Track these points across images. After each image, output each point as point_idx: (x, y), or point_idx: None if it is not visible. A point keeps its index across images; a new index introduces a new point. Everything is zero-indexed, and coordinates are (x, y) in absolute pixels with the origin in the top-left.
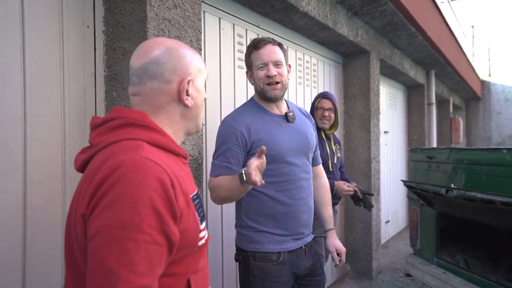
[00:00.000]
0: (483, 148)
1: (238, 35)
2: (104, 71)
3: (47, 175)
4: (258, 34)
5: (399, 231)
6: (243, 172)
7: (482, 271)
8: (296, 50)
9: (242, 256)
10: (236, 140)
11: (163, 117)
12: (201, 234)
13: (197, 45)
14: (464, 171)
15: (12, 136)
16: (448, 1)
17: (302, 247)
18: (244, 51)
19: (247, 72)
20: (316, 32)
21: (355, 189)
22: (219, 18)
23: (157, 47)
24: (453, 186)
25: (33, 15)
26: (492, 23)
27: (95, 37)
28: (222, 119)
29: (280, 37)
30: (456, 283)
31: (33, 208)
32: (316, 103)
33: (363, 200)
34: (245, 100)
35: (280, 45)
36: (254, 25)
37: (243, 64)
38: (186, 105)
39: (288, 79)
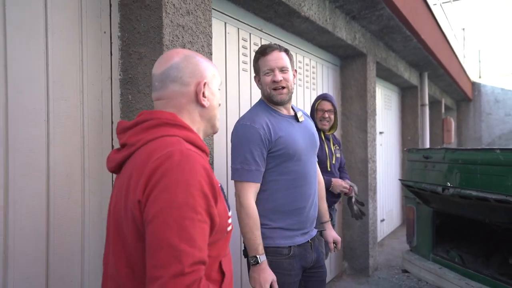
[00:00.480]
0: (477, 148)
1: (242, 39)
2: (120, 74)
3: (68, 175)
4: (261, 38)
5: (393, 229)
6: (256, 263)
7: (475, 266)
8: (296, 53)
9: None
10: (260, 140)
11: (186, 117)
12: (229, 221)
13: (208, 50)
14: (459, 170)
15: (37, 137)
16: (440, 4)
17: (308, 241)
18: (248, 55)
19: (255, 77)
20: (316, 36)
21: (351, 188)
22: (225, 23)
23: (176, 55)
24: (449, 184)
25: (55, 21)
26: (483, 26)
27: (111, 43)
28: (235, 122)
29: (282, 40)
30: (451, 277)
31: (55, 207)
32: (316, 104)
33: (350, 207)
34: (248, 102)
35: (286, 51)
36: (257, 29)
37: (247, 67)
38: (203, 106)
39: (294, 83)
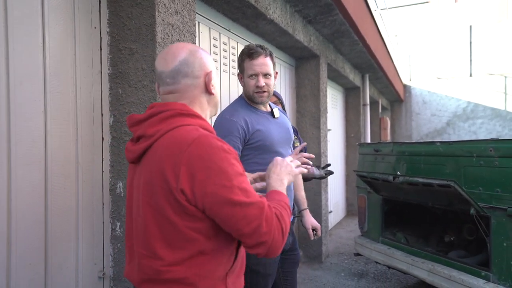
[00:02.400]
0: (420, 142)
1: (213, 38)
2: (109, 69)
3: (63, 165)
4: (229, 38)
5: (339, 220)
6: None
7: (418, 245)
8: None
9: None
10: (238, 133)
11: (197, 106)
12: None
13: None
14: (406, 161)
15: (36, 128)
16: (379, 12)
17: None
18: (218, 53)
19: (238, 75)
20: (276, 37)
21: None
22: (198, 22)
23: (182, 51)
24: (399, 173)
25: (52, 16)
26: (412, 33)
27: (101, 38)
28: (218, 115)
29: (246, 40)
30: (399, 256)
31: (52, 196)
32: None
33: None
34: (223, 98)
35: (271, 54)
36: (226, 29)
37: (218, 65)
38: (211, 93)
39: (274, 85)
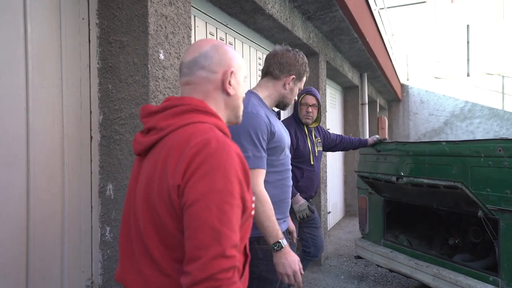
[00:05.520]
0: (425, 141)
1: (210, 34)
2: (98, 63)
3: (47, 166)
4: (226, 33)
5: (337, 221)
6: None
7: (421, 248)
8: (256, 50)
9: None
10: (266, 129)
11: (211, 104)
12: (253, 205)
13: (188, 41)
14: (409, 161)
15: (17, 126)
16: (378, 11)
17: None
18: None
19: (292, 78)
20: (275, 33)
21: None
22: (194, 16)
23: (206, 44)
24: (402, 174)
25: (35, 5)
26: (409, 33)
27: (89, 29)
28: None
29: (244, 36)
30: (401, 259)
31: (35, 199)
32: (300, 98)
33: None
34: None
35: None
36: (223, 24)
37: None
38: (228, 94)
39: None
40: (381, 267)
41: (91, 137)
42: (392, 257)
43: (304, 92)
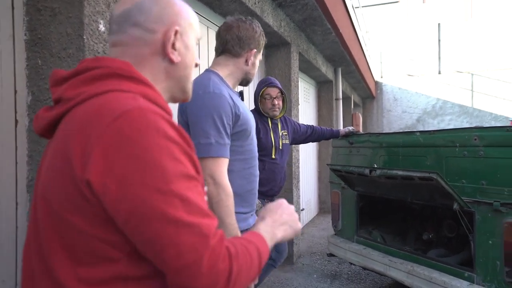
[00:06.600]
0: (399, 132)
1: None
2: (25, 34)
3: None
4: None
5: (311, 218)
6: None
7: (395, 244)
8: None
9: None
10: (230, 111)
11: (147, 72)
12: (205, 188)
13: None
14: (383, 153)
15: None
16: (353, 7)
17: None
18: None
19: (253, 52)
20: None
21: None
22: None
23: None
24: (376, 166)
25: None
26: (383, 30)
27: None
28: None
29: (208, 20)
30: (375, 256)
31: None
32: (261, 92)
33: None
34: None
35: None
36: None
37: None
38: (171, 61)
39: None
40: (354, 264)
41: (16, 121)
42: (366, 254)
43: (264, 85)
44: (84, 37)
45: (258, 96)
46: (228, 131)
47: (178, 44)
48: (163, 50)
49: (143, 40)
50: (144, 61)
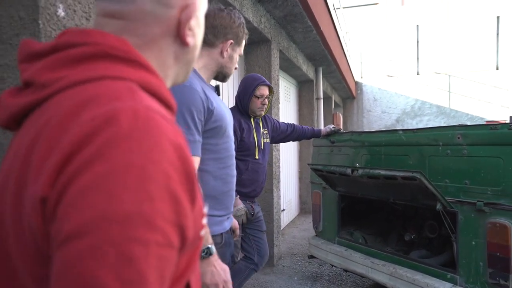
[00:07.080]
0: (381, 130)
1: None
2: None
3: None
4: None
5: (292, 219)
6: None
7: (376, 245)
8: None
9: None
10: (202, 107)
11: (152, 56)
12: (204, 221)
13: None
14: (365, 152)
15: None
16: (334, 9)
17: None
18: None
19: (229, 43)
20: None
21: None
22: None
23: None
24: (357, 166)
25: None
26: (363, 31)
27: None
28: None
29: None
30: (357, 258)
31: None
32: (254, 90)
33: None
34: None
35: None
36: None
37: None
38: (185, 44)
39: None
40: (336, 266)
41: None
42: (347, 256)
43: (257, 83)
44: (40, 22)
45: (251, 94)
46: (199, 127)
47: (193, 23)
48: (177, 31)
49: (153, 16)
50: (151, 43)
